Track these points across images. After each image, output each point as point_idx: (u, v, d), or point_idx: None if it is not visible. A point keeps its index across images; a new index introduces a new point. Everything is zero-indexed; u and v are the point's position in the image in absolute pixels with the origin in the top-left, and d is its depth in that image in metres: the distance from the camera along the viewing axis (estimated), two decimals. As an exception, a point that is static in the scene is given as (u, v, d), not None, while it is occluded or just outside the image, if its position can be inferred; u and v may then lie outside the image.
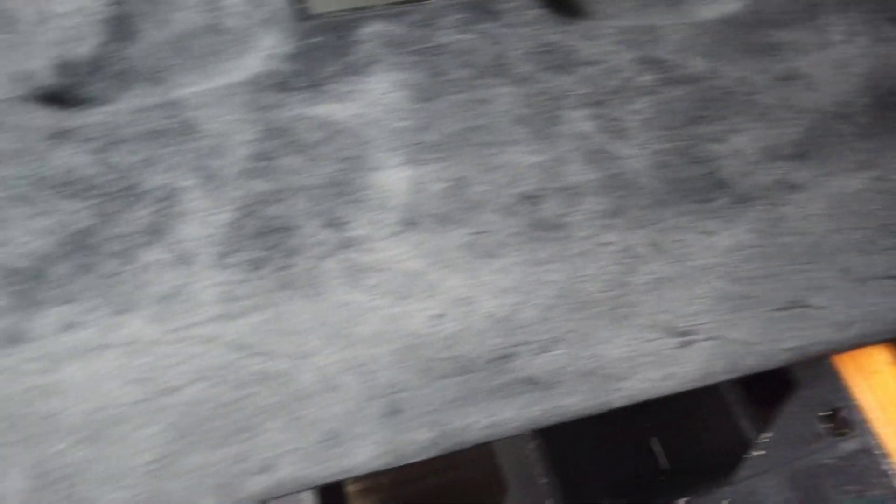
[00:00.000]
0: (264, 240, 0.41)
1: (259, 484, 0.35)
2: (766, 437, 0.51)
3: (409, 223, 0.42)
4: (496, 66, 0.47)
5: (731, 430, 0.93)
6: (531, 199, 0.44)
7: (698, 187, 0.45)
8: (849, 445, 0.44)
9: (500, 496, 1.34)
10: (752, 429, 0.91)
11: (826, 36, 0.52)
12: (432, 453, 0.37)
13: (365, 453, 0.36)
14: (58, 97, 0.44)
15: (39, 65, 0.45)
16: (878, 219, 0.46)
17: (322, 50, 0.46)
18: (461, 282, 0.41)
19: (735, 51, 0.50)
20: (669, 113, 0.47)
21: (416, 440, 0.37)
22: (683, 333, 0.40)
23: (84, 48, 0.46)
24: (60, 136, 0.43)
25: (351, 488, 1.11)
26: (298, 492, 0.35)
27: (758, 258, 0.43)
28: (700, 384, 0.39)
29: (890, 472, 0.43)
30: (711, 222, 0.44)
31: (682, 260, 0.42)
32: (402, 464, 0.36)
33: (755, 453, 0.51)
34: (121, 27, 0.46)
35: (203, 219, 0.41)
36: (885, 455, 0.43)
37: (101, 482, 0.34)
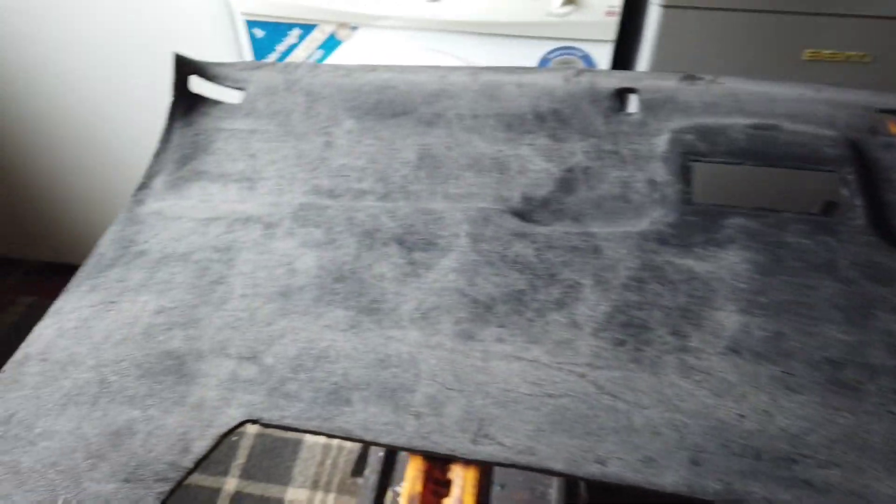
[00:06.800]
0: (627, 329, 0.61)
1: (595, 470, 0.52)
2: None
3: (733, 350, 0.59)
4: (826, 266, 0.63)
5: None
6: (835, 363, 0.57)
7: None
8: None
9: None
10: None
11: None
12: (718, 499, 0.50)
13: (670, 481, 0.51)
14: (521, 214, 0.72)
15: (516, 194, 0.73)
16: None
17: (695, 225, 0.68)
18: (765, 400, 0.55)
19: None
20: (975, 337, 0.57)
21: (708, 486, 0.50)
22: (953, 497, 0.48)
23: (541, 191, 0.73)
24: (520, 236, 0.69)
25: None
26: (618, 484, 0.51)
27: None
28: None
29: None
30: None
31: (963, 445, 0.51)
32: (693, 496, 0.50)
33: None
34: (566, 185, 0.74)
35: (591, 305, 0.63)
36: None
37: (497, 426, 0.55)
